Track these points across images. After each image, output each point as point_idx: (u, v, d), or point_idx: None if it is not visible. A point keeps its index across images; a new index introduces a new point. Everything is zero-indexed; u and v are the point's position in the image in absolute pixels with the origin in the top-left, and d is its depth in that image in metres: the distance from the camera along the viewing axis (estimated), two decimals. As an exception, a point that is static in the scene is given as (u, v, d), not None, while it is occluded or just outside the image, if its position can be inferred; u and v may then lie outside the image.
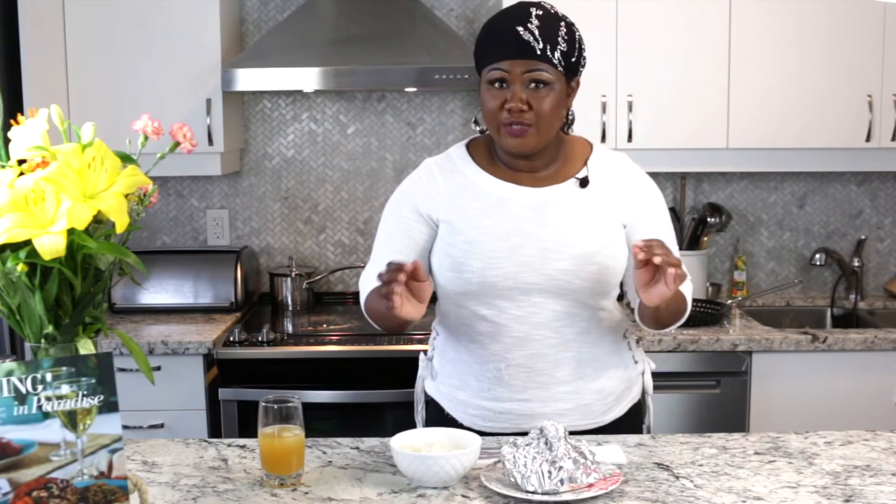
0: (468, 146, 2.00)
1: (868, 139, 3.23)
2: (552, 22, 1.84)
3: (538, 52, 1.81)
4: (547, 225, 1.89)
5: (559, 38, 1.83)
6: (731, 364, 3.02)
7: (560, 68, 1.84)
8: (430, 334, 2.15)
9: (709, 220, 3.49)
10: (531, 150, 1.88)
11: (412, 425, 1.78)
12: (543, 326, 1.90)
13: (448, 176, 1.96)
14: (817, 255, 3.56)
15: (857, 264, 3.60)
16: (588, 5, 3.16)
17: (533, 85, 1.83)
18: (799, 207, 3.67)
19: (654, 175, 2.03)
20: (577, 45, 1.86)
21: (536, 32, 1.81)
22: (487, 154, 1.98)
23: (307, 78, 3.13)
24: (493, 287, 1.89)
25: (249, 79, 3.13)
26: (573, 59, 1.86)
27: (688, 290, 1.93)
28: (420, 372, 2.14)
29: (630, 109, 3.23)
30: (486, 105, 1.87)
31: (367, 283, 1.98)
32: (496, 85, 1.85)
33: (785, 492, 1.60)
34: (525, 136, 1.85)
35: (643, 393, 2.09)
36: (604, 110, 3.22)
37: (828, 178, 3.66)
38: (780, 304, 3.63)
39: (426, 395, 2.10)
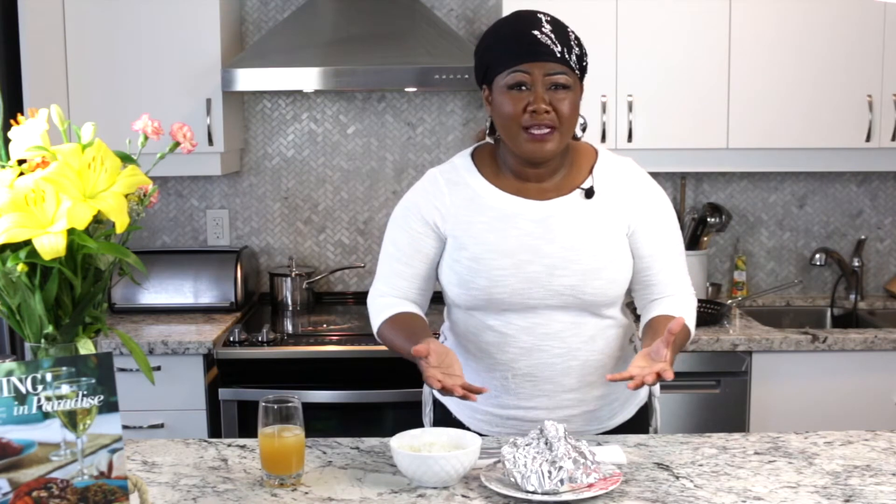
0: (473, 155, 1.99)
1: (868, 139, 3.23)
2: (562, 27, 1.86)
3: (557, 55, 1.81)
4: (553, 241, 1.89)
5: (572, 42, 1.84)
6: (731, 364, 3.02)
7: (576, 71, 1.85)
8: (436, 337, 2.15)
9: (709, 220, 3.49)
10: (550, 154, 1.86)
11: (412, 425, 1.78)
12: (550, 337, 1.90)
13: (454, 188, 1.95)
14: (817, 255, 3.56)
15: (857, 264, 3.60)
16: (588, 5, 3.17)
17: (553, 88, 1.82)
18: (799, 207, 3.67)
19: (654, 175, 2.03)
20: (585, 50, 1.88)
21: (553, 36, 1.81)
22: (493, 164, 1.96)
23: (307, 78, 3.13)
24: (501, 302, 1.89)
25: (249, 79, 3.13)
26: (584, 64, 1.87)
27: (691, 319, 1.93)
28: None
29: (630, 109, 3.23)
30: (504, 109, 1.84)
31: (381, 305, 1.98)
32: (516, 89, 1.83)
33: (785, 492, 1.60)
34: (546, 140, 1.84)
35: (650, 395, 2.09)
36: (604, 110, 3.22)
37: (828, 178, 3.66)
38: (780, 304, 3.62)
39: (433, 398, 2.10)
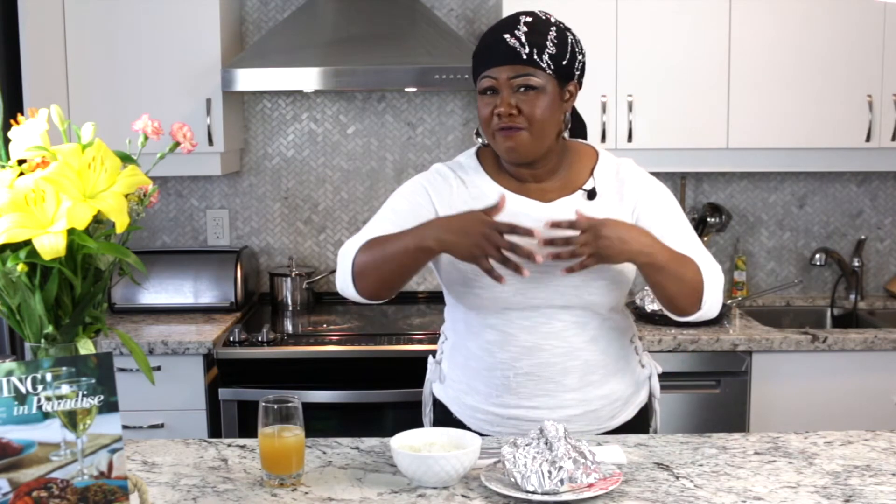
0: (478, 155, 2.00)
1: (868, 139, 3.23)
2: (541, 27, 1.84)
3: (524, 57, 1.82)
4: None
5: (547, 42, 1.83)
6: (731, 364, 3.02)
7: (549, 71, 1.83)
8: (430, 335, 2.15)
9: (709, 220, 3.49)
10: (527, 155, 1.87)
11: (412, 425, 1.78)
12: (552, 336, 1.90)
13: (461, 185, 1.96)
14: (817, 255, 3.56)
15: (857, 264, 3.60)
16: (588, 5, 3.17)
17: (522, 90, 1.83)
18: (799, 207, 3.67)
19: (653, 175, 2.03)
20: (570, 49, 1.86)
21: (523, 38, 1.82)
22: (496, 164, 1.97)
23: (307, 78, 3.13)
24: (503, 301, 1.89)
25: (249, 79, 3.13)
26: (564, 63, 1.85)
27: (708, 274, 1.85)
28: (428, 375, 2.13)
29: (630, 109, 3.23)
30: (479, 114, 1.89)
31: (358, 245, 1.88)
32: (487, 93, 1.86)
33: (785, 492, 1.60)
34: (517, 139, 1.84)
35: (650, 396, 2.09)
36: (604, 110, 3.22)
37: (828, 178, 3.66)
38: (780, 304, 3.62)
39: (434, 398, 2.10)
